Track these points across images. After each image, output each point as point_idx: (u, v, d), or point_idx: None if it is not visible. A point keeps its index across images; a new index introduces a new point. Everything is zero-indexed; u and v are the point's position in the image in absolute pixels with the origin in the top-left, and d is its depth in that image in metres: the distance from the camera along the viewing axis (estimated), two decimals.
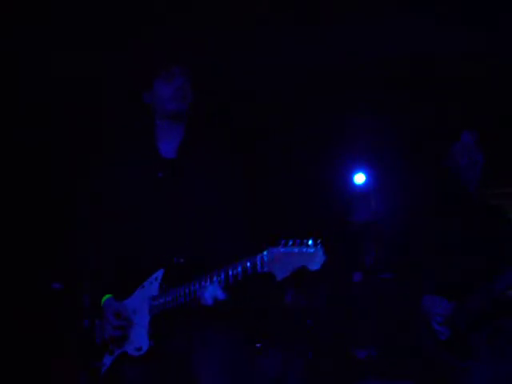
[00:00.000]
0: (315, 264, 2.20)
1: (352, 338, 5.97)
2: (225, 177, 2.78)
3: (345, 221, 6.43)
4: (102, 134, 5.04)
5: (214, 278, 2.45)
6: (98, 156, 3.01)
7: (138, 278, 2.69)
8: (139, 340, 2.64)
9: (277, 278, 2.26)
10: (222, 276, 2.43)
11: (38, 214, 5.37)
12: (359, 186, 6.54)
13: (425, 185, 3.86)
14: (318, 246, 2.21)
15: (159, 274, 2.64)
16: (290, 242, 2.25)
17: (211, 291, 2.46)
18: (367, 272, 6.22)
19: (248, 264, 2.34)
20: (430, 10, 4.51)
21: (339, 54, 5.11)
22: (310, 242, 2.22)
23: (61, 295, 4.80)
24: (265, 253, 2.29)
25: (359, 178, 6.51)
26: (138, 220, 2.73)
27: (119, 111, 4.85)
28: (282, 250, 2.25)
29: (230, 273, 2.40)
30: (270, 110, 5.62)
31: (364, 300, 6.09)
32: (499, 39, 4.88)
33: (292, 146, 6.14)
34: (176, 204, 2.71)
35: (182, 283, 2.55)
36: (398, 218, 3.88)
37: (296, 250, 2.23)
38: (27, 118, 5.34)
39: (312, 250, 2.21)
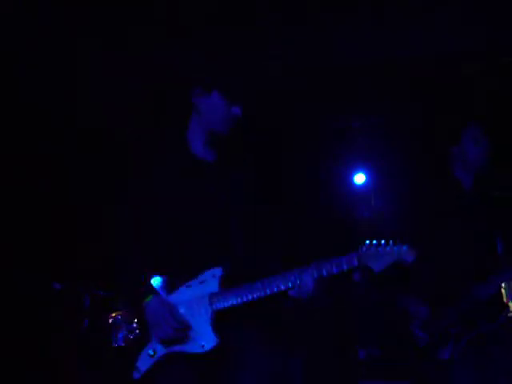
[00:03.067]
0: (410, 257, 2.62)
1: (352, 337, 5.97)
2: (261, 177, 3.01)
3: (345, 220, 6.43)
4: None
5: (311, 272, 2.65)
6: (134, 156, 2.98)
7: (182, 277, 2.72)
8: (202, 337, 2.65)
9: (374, 270, 2.67)
10: (315, 271, 2.65)
11: (42, 214, 5.38)
12: (359, 186, 6.53)
13: (423, 185, 3.85)
14: (408, 244, 2.64)
15: (217, 271, 2.69)
16: (375, 242, 2.66)
17: (306, 284, 2.64)
18: (367, 272, 6.21)
19: (343, 260, 2.66)
20: (429, 11, 4.51)
21: (339, 55, 5.11)
22: (399, 241, 2.65)
23: (61, 295, 4.79)
24: (360, 250, 2.66)
25: (359, 178, 6.51)
26: (178, 220, 2.76)
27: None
28: (373, 248, 2.66)
29: (324, 268, 2.65)
30: (269, 110, 5.62)
31: (364, 300, 6.09)
32: (499, 39, 4.88)
33: (292, 146, 6.14)
34: (219, 204, 2.79)
35: (250, 280, 2.67)
36: (397, 217, 3.88)
37: (389, 247, 2.65)
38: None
39: (405, 248, 2.64)
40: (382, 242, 2.66)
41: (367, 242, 2.66)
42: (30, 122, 5.24)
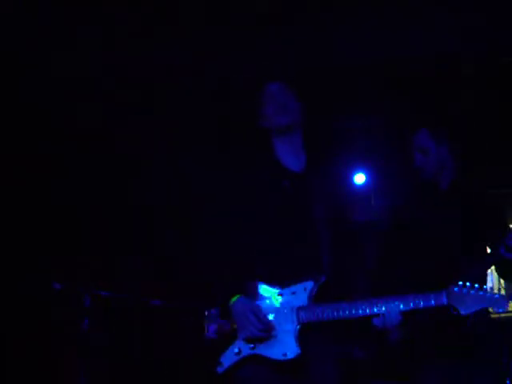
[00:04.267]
0: (500, 307, 2.65)
1: (351, 338, 5.96)
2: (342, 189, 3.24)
3: (345, 221, 6.42)
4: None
5: (397, 303, 2.74)
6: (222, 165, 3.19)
7: (275, 284, 2.85)
8: (285, 346, 2.76)
9: (460, 312, 2.70)
10: (403, 303, 2.74)
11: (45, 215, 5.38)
12: (359, 186, 6.53)
13: (410, 184, 3.87)
14: (504, 296, 2.67)
15: (308, 285, 2.81)
16: (469, 284, 2.70)
17: (391, 315, 2.74)
18: (367, 272, 6.21)
19: (432, 296, 2.72)
20: (429, 11, 4.52)
21: (339, 55, 5.11)
22: (492, 290, 2.69)
23: (61, 295, 4.79)
24: (451, 289, 2.70)
25: (359, 178, 6.50)
26: (273, 229, 2.89)
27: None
28: (465, 289, 2.69)
29: (412, 301, 2.74)
30: None
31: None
32: (499, 39, 4.89)
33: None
34: (307, 216, 2.94)
35: (337, 299, 2.78)
36: (390, 217, 3.88)
37: (483, 292, 2.69)
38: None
39: (498, 296, 2.67)
40: (476, 285, 2.68)
41: (460, 282, 2.69)
42: (30, 122, 5.24)
